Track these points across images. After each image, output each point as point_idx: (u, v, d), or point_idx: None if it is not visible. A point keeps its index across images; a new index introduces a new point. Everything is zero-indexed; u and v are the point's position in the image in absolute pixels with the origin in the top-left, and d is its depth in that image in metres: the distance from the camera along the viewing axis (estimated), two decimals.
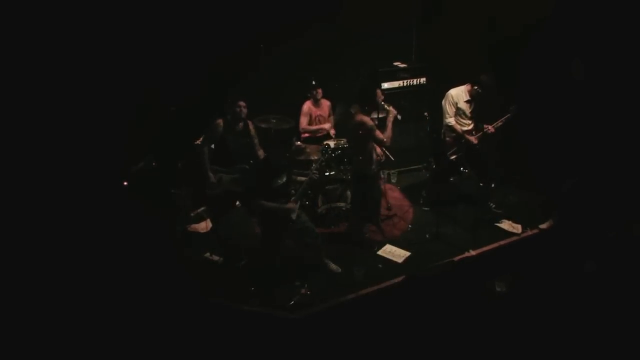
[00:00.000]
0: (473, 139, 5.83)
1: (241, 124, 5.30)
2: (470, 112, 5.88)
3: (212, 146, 5.27)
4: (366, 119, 5.01)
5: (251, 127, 5.41)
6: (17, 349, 3.88)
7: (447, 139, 5.98)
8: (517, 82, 6.03)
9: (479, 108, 5.82)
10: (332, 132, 6.63)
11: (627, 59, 5.32)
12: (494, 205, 6.19)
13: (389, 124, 5.04)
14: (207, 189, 5.32)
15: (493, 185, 6.46)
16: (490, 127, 5.77)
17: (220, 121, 5.21)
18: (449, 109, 5.87)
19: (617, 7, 5.33)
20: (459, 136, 5.85)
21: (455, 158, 5.91)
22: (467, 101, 5.84)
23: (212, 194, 5.36)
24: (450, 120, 5.86)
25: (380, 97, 5.05)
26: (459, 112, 5.88)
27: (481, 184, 6.20)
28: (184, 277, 4.87)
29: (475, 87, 5.67)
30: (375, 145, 5.18)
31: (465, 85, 5.86)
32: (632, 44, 5.27)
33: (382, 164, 5.71)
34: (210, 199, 5.56)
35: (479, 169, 6.06)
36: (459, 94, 5.86)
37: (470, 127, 5.93)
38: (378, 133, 5.00)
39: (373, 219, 5.58)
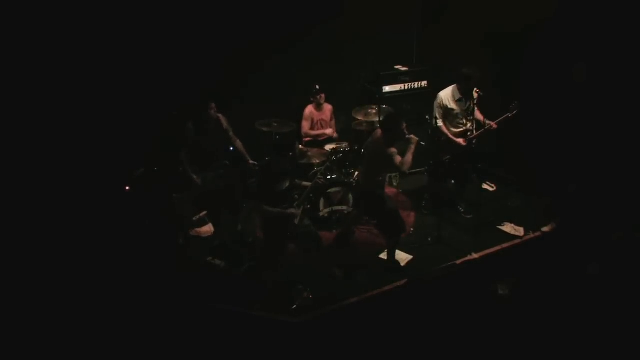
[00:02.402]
0: (461, 140, 5.80)
1: (213, 123, 5.47)
2: (465, 111, 5.77)
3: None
4: (392, 150, 4.87)
5: (222, 120, 5.54)
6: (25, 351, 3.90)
7: (440, 142, 5.93)
8: (520, 85, 6.03)
9: (476, 104, 5.74)
10: (335, 135, 6.63)
11: (630, 61, 5.32)
12: (462, 210, 6.21)
13: (411, 151, 4.90)
14: (194, 190, 5.48)
15: (496, 187, 6.47)
16: (492, 123, 5.66)
17: (189, 124, 5.37)
18: (437, 112, 5.81)
19: (619, 8, 5.32)
20: (448, 138, 5.81)
21: (448, 159, 5.89)
22: (458, 100, 5.76)
23: (200, 194, 5.54)
24: (437, 122, 5.80)
25: (404, 128, 4.94)
26: (451, 114, 5.80)
27: (455, 184, 6.21)
28: (187, 282, 4.88)
29: (479, 91, 5.62)
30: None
31: (454, 85, 5.79)
32: (633, 45, 5.27)
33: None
34: (200, 199, 5.68)
35: (457, 170, 6.00)
36: (447, 95, 5.79)
37: (467, 126, 5.82)
38: (397, 159, 4.86)
39: (397, 232, 5.30)
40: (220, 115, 5.55)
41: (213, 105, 5.43)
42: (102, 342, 3.96)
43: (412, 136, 4.98)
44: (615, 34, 5.37)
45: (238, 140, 5.65)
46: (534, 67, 6.05)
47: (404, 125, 4.96)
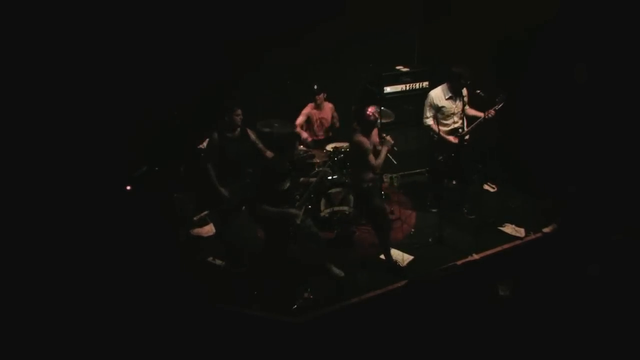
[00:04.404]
0: (452, 138, 5.78)
1: (238, 131, 5.20)
2: (456, 109, 5.78)
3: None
4: (363, 140, 4.92)
5: (250, 133, 5.35)
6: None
7: (434, 141, 5.91)
8: (520, 84, 6.03)
9: (467, 102, 5.76)
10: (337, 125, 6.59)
11: (630, 61, 5.32)
12: (465, 210, 6.21)
13: (383, 153, 4.98)
14: (224, 204, 5.23)
15: (496, 188, 6.44)
16: (491, 110, 5.55)
17: (215, 135, 5.12)
18: (427, 111, 5.82)
19: (619, 9, 5.32)
20: (441, 137, 5.78)
21: (442, 159, 5.89)
22: (449, 98, 5.75)
23: (230, 206, 5.30)
24: (427, 121, 5.82)
25: (371, 116, 4.93)
26: (442, 112, 5.78)
27: (456, 184, 6.20)
28: (187, 281, 4.88)
29: (479, 92, 5.61)
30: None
31: (444, 84, 5.80)
32: (633, 45, 5.26)
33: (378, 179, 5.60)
34: (226, 212, 5.42)
35: (455, 169, 5.98)
36: (438, 94, 5.79)
37: (458, 124, 5.84)
38: (371, 158, 4.92)
39: (384, 229, 5.33)
40: (247, 129, 5.31)
41: (239, 111, 5.08)
42: (103, 342, 3.97)
43: (387, 137, 5.02)
44: (615, 35, 5.36)
45: (268, 151, 5.31)
46: (535, 67, 6.04)
47: (372, 110, 4.95)
